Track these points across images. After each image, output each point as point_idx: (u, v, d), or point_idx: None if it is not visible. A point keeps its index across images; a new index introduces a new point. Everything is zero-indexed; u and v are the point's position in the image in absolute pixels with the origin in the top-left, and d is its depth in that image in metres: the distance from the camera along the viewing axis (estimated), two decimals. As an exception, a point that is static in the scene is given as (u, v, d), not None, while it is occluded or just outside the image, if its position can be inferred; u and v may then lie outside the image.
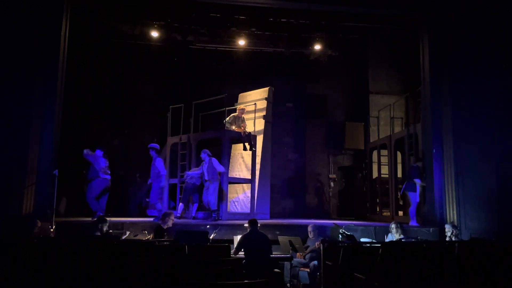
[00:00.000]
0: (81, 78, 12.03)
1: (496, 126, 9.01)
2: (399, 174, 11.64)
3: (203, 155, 9.69)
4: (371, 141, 13.42)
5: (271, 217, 11.01)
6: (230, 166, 11.66)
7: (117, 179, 11.91)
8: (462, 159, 8.95)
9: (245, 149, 10.93)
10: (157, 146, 9.85)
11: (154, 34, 11.61)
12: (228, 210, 10.53)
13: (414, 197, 9.77)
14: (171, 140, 11.73)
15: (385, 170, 12.15)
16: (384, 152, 12.27)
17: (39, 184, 8.19)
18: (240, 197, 11.45)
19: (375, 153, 12.81)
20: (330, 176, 14.46)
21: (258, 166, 10.98)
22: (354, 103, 14.76)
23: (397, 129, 12.48)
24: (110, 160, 9.32)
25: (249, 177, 10.92)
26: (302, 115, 14.48)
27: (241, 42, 11.96)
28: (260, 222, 8.93)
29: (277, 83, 11.90)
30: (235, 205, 11.46)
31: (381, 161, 12.37)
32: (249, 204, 10.73)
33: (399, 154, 11.83)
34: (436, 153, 9.31)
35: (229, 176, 11.03)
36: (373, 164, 12.95)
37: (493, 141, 8.96)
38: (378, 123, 13.06)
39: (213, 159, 9.67)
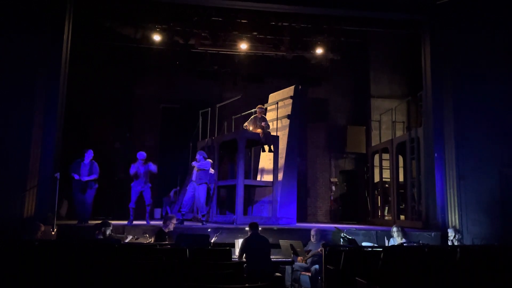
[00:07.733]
0: (83, 81, 12.05)
1: (498, 130, 9.04)
2: (401, 178, 11.61)
3: (199, 156, 9.47)
4: (372, 145, 13.41)
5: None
6: (257, 168, 11.51)
7: (119, 182, 11.92)
8: (464, 163, 8.95)
9: (263, 150, 10.72)
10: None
11: (156, 37, 11.64)
12: (245, 214, 10.08)
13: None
14: (200, 144, 11.77)
15: (386, 174, 12.13)
16: (385, 156, 12.25)
17: (41, 186, 8.18)
18: (265, 200, 10.70)
19: (376, 157, 12.79)
20: (332, 179, 14.44)
21: (282, 167, 10.31)
22: (355, 106, 14.76)
23: (399, 133, 12.47)
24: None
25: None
26: (304, 118, 14.47)
27: (243, 46, 11.97)
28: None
29: (279, 87, 11.87)
30: (262, 209, 10.73)
31: (383, 165, 12.36)
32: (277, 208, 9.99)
33: (401, 158, 11.82)
34: (438, 157, 9.30)
35: (256, 179, 10.95)
36: (374, 168, 12.92)
37: (495, 145, 8.97)
38: (380, 127, 13.06)
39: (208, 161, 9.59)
